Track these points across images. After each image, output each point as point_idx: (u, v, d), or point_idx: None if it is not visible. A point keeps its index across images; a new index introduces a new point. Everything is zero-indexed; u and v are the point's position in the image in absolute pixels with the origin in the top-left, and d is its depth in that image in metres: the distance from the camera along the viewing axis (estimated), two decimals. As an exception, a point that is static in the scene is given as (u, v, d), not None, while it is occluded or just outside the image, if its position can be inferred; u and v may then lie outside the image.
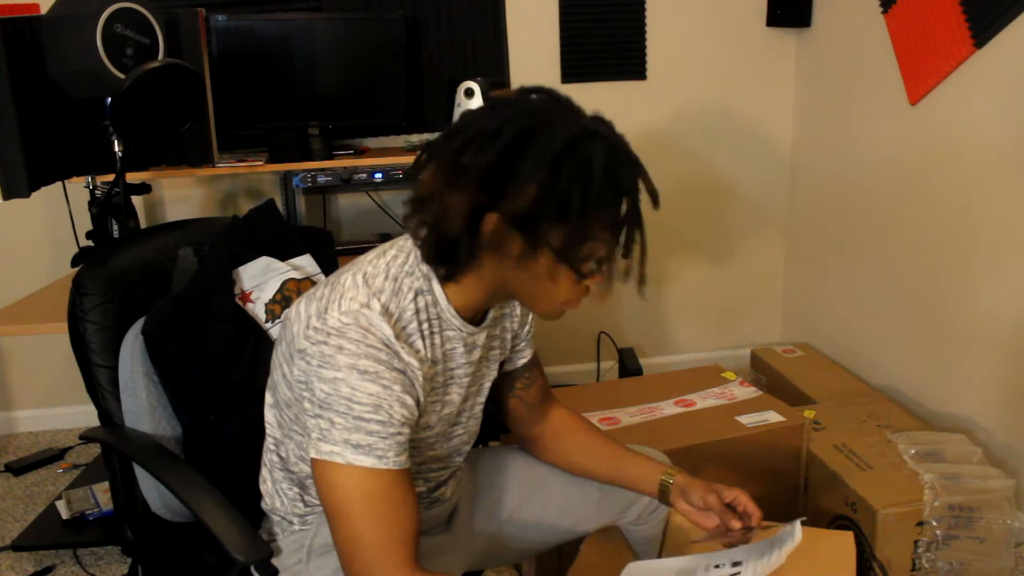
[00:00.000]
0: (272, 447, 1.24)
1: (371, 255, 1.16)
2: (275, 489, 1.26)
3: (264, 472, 1.29)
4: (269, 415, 1.24)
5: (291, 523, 1.26)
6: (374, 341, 1.06)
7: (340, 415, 1.04)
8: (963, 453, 2.10)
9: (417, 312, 1.12)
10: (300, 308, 1.13)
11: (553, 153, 1.01)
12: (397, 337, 1.08)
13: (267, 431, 1.26)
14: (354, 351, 1.05)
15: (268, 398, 1.24)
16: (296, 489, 1.24)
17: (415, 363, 1.10)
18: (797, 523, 1.31)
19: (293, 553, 1.25)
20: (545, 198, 1.02)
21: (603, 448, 1.45)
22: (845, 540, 1.70)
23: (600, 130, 1.06)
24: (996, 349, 2.27)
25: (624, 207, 1.07)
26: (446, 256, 1.09)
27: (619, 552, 1.55)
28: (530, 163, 1.01)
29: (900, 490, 1.95)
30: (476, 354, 1.24)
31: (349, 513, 1.06)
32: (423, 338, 1.13)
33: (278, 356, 1.17)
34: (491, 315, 1.24)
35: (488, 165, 1.02)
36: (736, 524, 1.33)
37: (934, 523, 1.92)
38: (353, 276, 1.12)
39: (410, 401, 1.09)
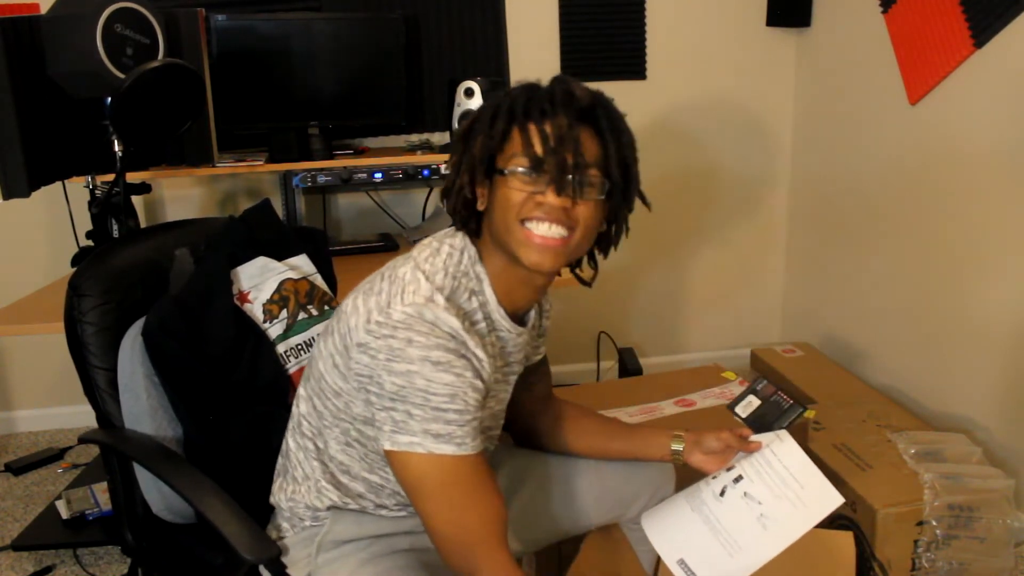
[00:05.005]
0: (309, 435, 1.25)
1: (425, 252, 1.18)
2: (301, 475, 1.26)
3: (286, 463, 1.30)
4: (304, 407, 1.25)
5: (302, 519, 1.27)
6: (441, 333, 1.08)
7: (417, 407, 1.07)
8: (963, 453, 2.10)
9: (476, 309, 1.16)
10: (357, 302, 1.15)
11: (498, 94, 1.17)
12: (465, 331, 1.11)
13: (299, 423, 1.26)
14: (424, 343, 1.07)
15: (302, 390, 1.25)
16: (326, 479, 1.24)
17: (482, 355, 1.12)
18: (783, 433, 1.39)
19: (303, 548, 1.26)
20: (476, 120, 1.16)
21: (611, 426, 1.49)
22: (845, 540, 1.70)
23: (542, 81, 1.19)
24: (996, 349, 2.26)
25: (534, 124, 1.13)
26: (460, 210, 1.18)
27: (619, 551, 1.56)
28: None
29: (900, 490, 1.95)
30: (519, 355, 1.28)
31: (445, 500, 1.10)
32: (483, 336, 1.16)
33: (327, 347, 1.18)
34: (532, 317, 1.28)
35: (464, 125, 1.18)
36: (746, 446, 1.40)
37: (934, 523, 1.92)
38: (413, 271, 1.13)
39: (480, 384, 1.12)
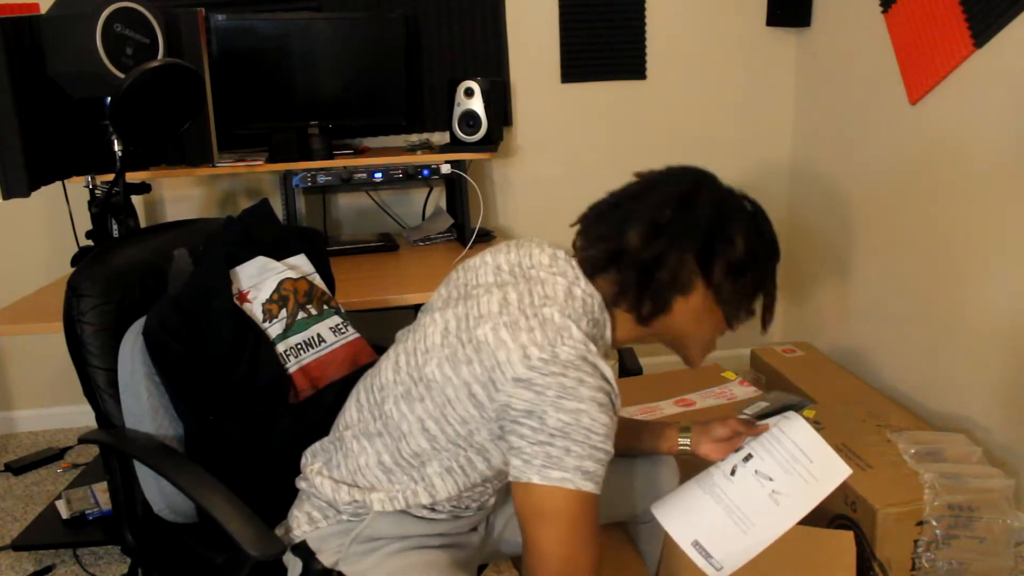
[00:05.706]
0: (406, 454, 1.22)
1: (559, 293, 1.18)
2: (366, 484, 1.25)
3: (339, 459, 1.29)
4: (407, 426, 1.22)
5: (340, 512, 1.27)
6: (601, 376, 1.13)
7: (577, 444, 1.10)
8: (963, 453, 2.10)
9: (604, 355, 1.21)
10: (501, 335, 1.13)
11: (747, 212, 1.23)
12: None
13: (381, 432, 1.24)
14: (593, 384, 1.11)
15: (405, 407, 1.22)
16: (405, 495, 1.23)
17: (619, 401, 1.18)
18: (790, 413, 1.43)
19: (336, 538, 1.27)
20: (753, 247, 1.21)
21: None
22: (845, 540, 1.70)
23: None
24: (996, 349, 2.26)
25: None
26: (648, 301, 1.21)
27: (622, 550, 1.56)
28: (736, 221, 1.20)
29: (900, 490, 1.95)
30: None
31: (568, 535, 1.13)
32: None
33: (459, 375, 1.16)
34: None
35: (706, 225, 1.19)
36: (754, 430, 1.45)
37: (934, 523, 1.92)
38: (561, 317, 1.14)
39: (616, 426, 1.17)
